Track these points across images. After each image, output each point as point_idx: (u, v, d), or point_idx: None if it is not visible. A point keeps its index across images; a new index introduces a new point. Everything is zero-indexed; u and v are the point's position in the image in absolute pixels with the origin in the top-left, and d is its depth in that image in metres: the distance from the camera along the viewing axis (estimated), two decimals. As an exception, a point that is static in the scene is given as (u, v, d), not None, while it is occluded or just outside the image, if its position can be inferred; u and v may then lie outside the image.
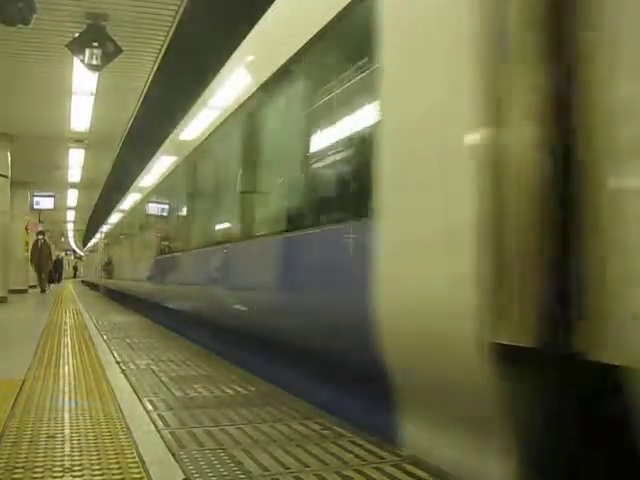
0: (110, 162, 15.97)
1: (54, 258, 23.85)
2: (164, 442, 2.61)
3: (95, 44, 7.29)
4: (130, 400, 3.47)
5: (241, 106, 5.06)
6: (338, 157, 3.34)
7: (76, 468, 2.25)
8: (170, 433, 2.76)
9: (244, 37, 5.30)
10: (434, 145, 2.35)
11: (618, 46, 1.70)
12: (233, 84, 5.48)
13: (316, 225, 3.51)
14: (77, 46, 7.36)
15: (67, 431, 2.77)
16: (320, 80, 3.64)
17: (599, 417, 1.81)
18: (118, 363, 4.86)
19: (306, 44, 3.65)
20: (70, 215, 29.25)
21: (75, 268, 56.40)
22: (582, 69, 1.79)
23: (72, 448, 2.50)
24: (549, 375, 1.90)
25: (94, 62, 7.38)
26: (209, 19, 8.07)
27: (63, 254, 50.38)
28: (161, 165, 9.64)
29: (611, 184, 1.71)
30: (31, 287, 19.94)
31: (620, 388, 1.64)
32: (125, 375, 4.31)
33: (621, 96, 1.71)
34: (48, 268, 20.48)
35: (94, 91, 9.83)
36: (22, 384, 3.87)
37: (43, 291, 19.56)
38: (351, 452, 2.50)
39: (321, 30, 3.43)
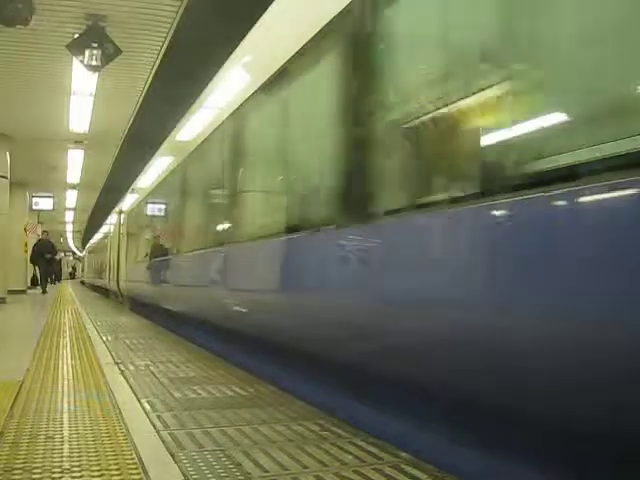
0: (109, 163, 15.96)
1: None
2: (163, 443, 2.61)
3: (94, 45, 7.30)
4: (129, 401, 3.47)
5: None
6: None
7: (75, 469, 2.25)
8: (169, 434, 2.76)
9: (243, 37, 5.30)
10: None
11: None
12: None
13: None
14: (76, 47, 7.36)
15: (66, 432, 2.76)
16: None
17: None
18: (117, 364, 4.87)
19: None
20: (69, 216, 29.22)
21: (74, 269, 57.15)
22: None
23: (71, 449, 2.50)
24: None
25: (93, 63, 7.39)
26: (208, 20, 8.08)
27: (62, 254, 50.63)
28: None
29: None
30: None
31: None
32: (124, 376, 4.31)
33: None
34: None
35: (93, 92, 9.82)
36: (20, 385, 3.87)
37: None
38: (350, 453, 2.50)
39: None
